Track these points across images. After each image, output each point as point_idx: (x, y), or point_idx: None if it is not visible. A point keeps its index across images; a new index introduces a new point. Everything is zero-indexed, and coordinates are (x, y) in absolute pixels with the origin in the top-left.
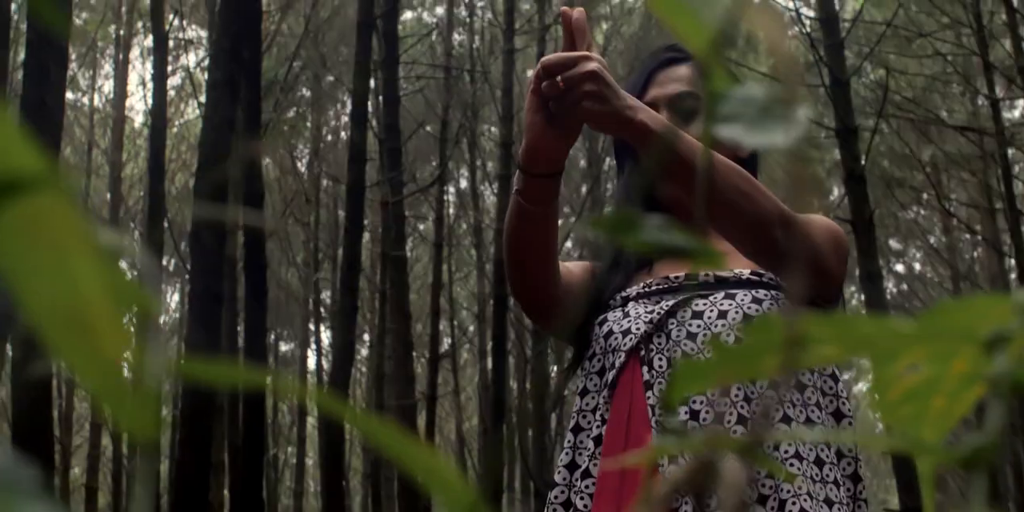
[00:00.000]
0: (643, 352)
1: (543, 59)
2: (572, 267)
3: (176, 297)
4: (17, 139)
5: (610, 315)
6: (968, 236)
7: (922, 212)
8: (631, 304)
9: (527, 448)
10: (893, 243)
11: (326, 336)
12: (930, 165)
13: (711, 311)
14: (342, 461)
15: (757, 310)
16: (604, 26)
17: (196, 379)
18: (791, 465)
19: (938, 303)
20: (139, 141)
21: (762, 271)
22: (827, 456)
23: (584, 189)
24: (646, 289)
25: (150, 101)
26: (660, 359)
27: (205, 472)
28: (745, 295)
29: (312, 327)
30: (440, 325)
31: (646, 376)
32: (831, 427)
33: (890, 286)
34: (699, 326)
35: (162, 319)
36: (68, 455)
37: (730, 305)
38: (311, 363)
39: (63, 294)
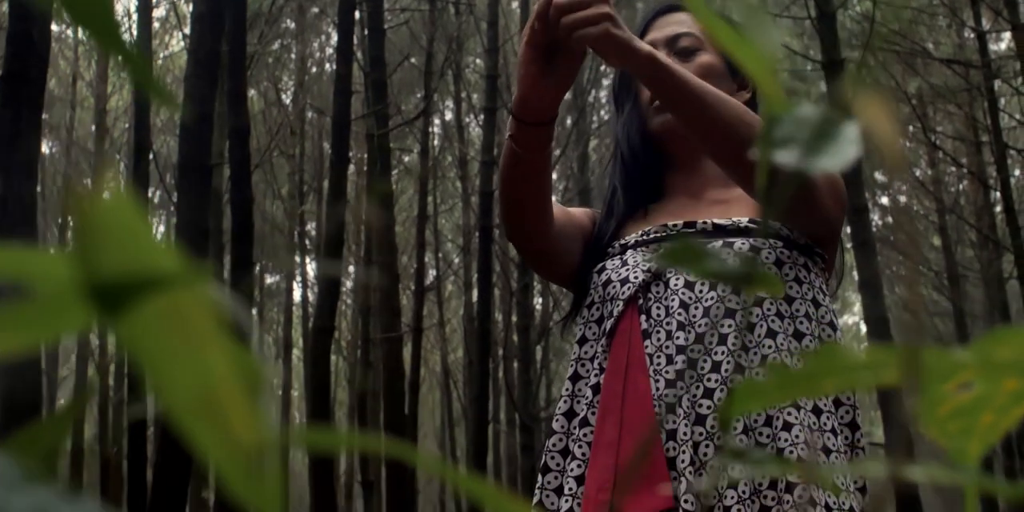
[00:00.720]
0: (641, 301)
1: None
2: (574, 212)
3: (162, 229)
4: (155, 241)
5: (608, 263)
6: (954, 169)
7: (908, 145)
8: (629, 252)
9: (512, 380)
10: (879, 175)
11: (311, 269)
12: (916, 98)
13: None
14: (328, 394)
15: (755, 258)
16: None
17: (314, 448)
18: (788, 413)
19: (989, 334)
20: (124, 73)
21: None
22: (824, 404)
23: (569, 121)
24: (644, 237)
25: (135, 33)
26: (658, 308)
27: None
28: (743, 243)
29: (297, 259)
30: (425, 257)
31: (644, 325)
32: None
33: (875, 218)
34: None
35: None
36: (54, 387)
37: (728, 254)
38: (297, 296)
39: (197, 383)
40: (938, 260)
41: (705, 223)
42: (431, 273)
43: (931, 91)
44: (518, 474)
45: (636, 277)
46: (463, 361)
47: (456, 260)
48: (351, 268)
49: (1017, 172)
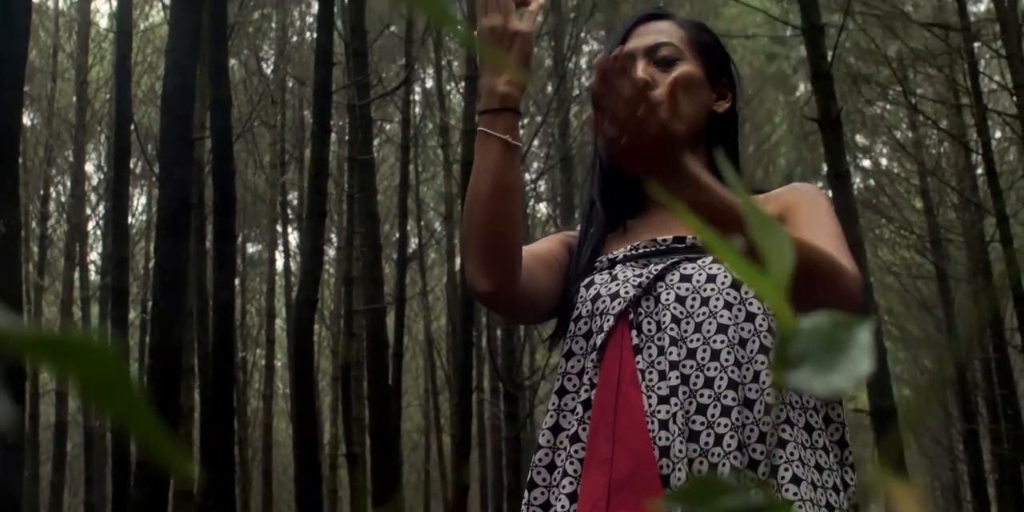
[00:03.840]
0: (632, 316)
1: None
2: (542, 251)
3: (144, 200)
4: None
5: (597, 277)
6: (935, 131)
7: (888, 108)
8: (619, 267)
9: (496, 348)
10: (860, 139)
11: (293, 238)
12: (896, 61)
13: (700, 274)
14: (311, 363)
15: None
16: None
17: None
18: (783, 430)
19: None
20: (104, 44)
21: None
22: (816, 422)
23: (550, 88)
24: (633, 252)
25: (115, 4)
26: (649, 323)
27: (176, 377)
28: None
29: (280, 229)
30: (408, 226)
31: (635, 340)
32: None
33: (857, 181)
34: (688, 289)
35: (130, 221)
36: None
37: (719, 269)
38: (279, 265)
39: None
40: (920, 223)
41: (694, 238)
42: (413, 242)
43: (911, 54)
44: (502, 442)
45: (627, 292)
46: (446, 329)
47: (439, 228)
48: (333, 237)
49: (998, 134)
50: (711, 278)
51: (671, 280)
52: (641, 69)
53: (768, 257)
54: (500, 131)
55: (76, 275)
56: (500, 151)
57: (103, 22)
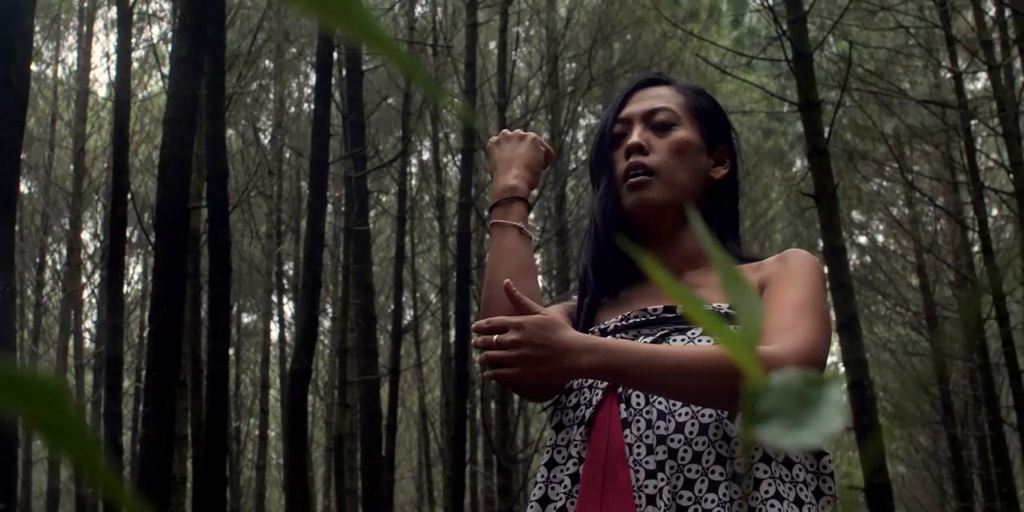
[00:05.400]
0: (620, 389)
1: (474, 325)
2: None
3: (139, 269)
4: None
5: None
6: (931, 208)
7: (885, 184)
8: (609, 338)
9: (490, 421)
10: (856, 215)
11: (289, 308)
12: (893, 138)
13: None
14: (305, 434)
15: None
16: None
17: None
18: (771, 506)
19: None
20: (103, 113)
21: None
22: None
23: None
24: (624, 322)
25: (114, 74)
26: (638, 396)
27: (169, 446)
28: None
29: (275, 299)
30: (403, 298)
31: (623, 414)
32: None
33: (853, 258)
34: None
35: (125, 290)
36: (30, 428)
37: (708, 341)
38: (274, 335)
39: None
40: (916, 300)
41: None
42: (408, 314)
43: (908, 131)
44: None
45: None
46: (440, 402)
47: (434, 300)
48: (328, 308)
49: (994, 212)
50: None
51: None
52: (637, 134)
53: (740, 317)
54: (513, 219)
55: (71, 343)
56: (515, 237)
57: (101, 91)
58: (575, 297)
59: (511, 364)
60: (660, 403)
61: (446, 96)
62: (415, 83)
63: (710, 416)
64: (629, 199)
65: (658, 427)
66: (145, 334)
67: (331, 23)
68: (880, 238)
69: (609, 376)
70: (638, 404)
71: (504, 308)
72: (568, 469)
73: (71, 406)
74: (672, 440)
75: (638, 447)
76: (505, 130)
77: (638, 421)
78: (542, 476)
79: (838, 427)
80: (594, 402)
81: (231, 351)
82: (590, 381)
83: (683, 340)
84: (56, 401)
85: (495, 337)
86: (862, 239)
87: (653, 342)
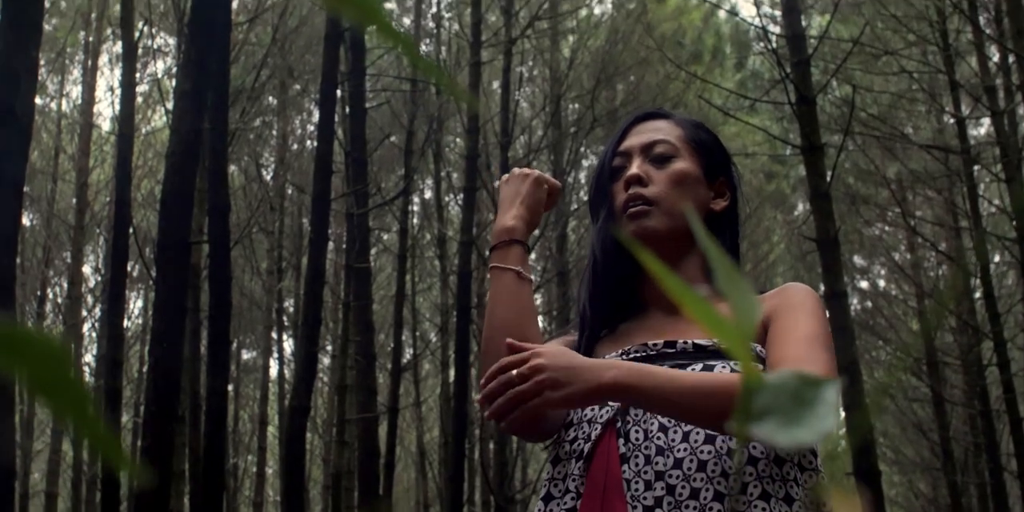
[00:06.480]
0: (620, 424)
1: (491, 370)
2: None
3: (140, 303)
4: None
5: None
6: (933, 254)
7: (887, 229)
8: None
9: (488, 461)
10: (858, 259)
11: (288, 345)
12: (895, 182)
13: None
14: (302, 471)
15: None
16: (570, 39)
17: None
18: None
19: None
20: (106, 147)
21: None
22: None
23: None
24: (624, 356)
25: (118, 108)
26: (637, 431)
27: (166, 481)
28: (723, 367)
29: (275, 336)
30: (403, 336)
31: (622, 448)
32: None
33: (854, 302)
34: None
35: (126, 324)
36: (28, 460)
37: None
38: (273, 372)
39: None
40: (917, 345)
41: (686, 343)
42: (408, 352)
43: (910, 176)
44: None
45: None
46: (439, 441)
47: (434, 339)
48: (328, 345)
49: (996, 258)
50: None
51: None
52: (636, 166)
53: (735, 313)
54: (511, 263)
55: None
56: (513, 281)
57: (105, 125)
58: (574, 331)
59: (538, 391)
60: (659, 439)
61: (450, 81)
62: (416, 65)
63: (709, 453)
64: (628, 228)
65: (656, 463)
66: (144, 369)
67: (334, 3)
68: (882, 283)
69: (630, 392)
70: (637, 439)
71: (504, 353)
72: (566, 503)
73: (70, 366)
74: (670, 476)
75: (636, 482)
76: (514, 168)
77: (636, 456)
78: (539, 510)
79: (831, 427)
80: (593, 436)
81: (230, 387)
82: (590, 415)
83: None
84: (55, 361)
85: (515, 372)
86: (863, 284)
87: None
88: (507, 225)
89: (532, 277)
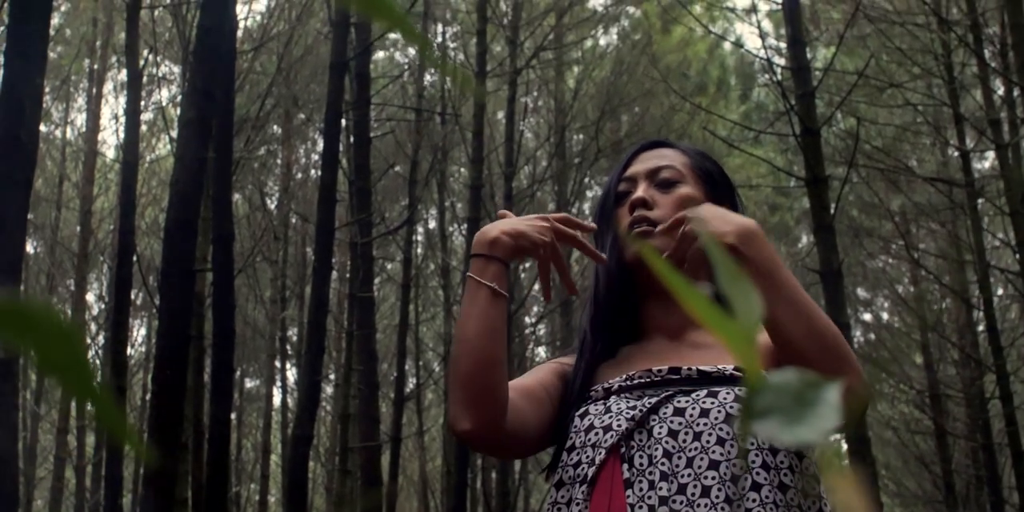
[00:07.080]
0: (624, 449)
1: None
2: (531, 384)
3: (143, 331)
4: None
5: (591, 408)
6: (936, 287)
7: (891, 262)
8: (613, 398)
9: (490, 490)
10: (861, 292)
11: (291, 374)
12: (899, 215)
13: (693, 409)
14: (305, 499)
15: (739, 410)
16: (575, 70)
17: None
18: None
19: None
20: (110, 175)
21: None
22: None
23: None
24: (628, 382)
25: (122, 135)
26: (641, 457)
27: (169, 509)
28: (728, 393)
29: (278, 364)
30: (406, 365)
31: (626, 474)
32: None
33: (858, 335)
34: (680, 423)
35: (129, 352)
36: (31, 488)
37: (712, 403)
38: (276, 401)
39: None
40: (920, 378)
41: (690, 369)
42: (411, 381)
43: (914, 209)
44: None
45: (619, 425)
46: (441, 470)
47: (437, 369)
48: (331, 374)
49: (1000, 291)
50: (704, 412)
51: (664, 413)
52: (642, 190)
53: (737, 309)
54: (488, 279)
55: (73, 404)
56: (488, 298)
57: (110, 153)
58: (572, 355)
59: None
60: (663, 464)
61: (453, 68)
62: (418, 49)
63: (713, 479)
64: (632, 249)
65: (660, 488)
66: (148, 396)
67: None
68: (885, 315)
69: (764, 262)
70: (641, 465)
71: (476, 365)
72: None
73: (76, 342)
74: (674, 501)
75: (640, 508)
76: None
77: (640, 482)
78: None
79: (834, 426)
80: (596, 461)
81: (233, 415)
82: (593, 440)
83: (688, 401)
84: (62, 337)
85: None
86: (867, 316)
87: (658, 403)
88: (489, 236)
89: (506, 294)
